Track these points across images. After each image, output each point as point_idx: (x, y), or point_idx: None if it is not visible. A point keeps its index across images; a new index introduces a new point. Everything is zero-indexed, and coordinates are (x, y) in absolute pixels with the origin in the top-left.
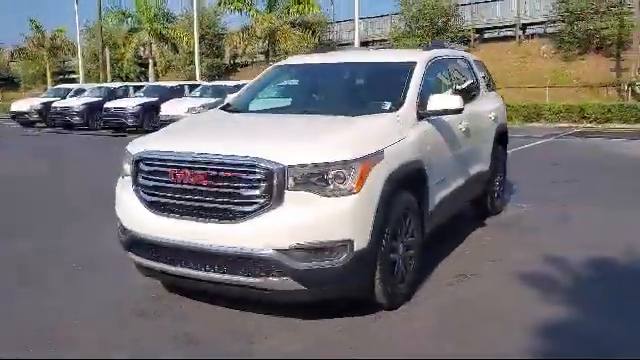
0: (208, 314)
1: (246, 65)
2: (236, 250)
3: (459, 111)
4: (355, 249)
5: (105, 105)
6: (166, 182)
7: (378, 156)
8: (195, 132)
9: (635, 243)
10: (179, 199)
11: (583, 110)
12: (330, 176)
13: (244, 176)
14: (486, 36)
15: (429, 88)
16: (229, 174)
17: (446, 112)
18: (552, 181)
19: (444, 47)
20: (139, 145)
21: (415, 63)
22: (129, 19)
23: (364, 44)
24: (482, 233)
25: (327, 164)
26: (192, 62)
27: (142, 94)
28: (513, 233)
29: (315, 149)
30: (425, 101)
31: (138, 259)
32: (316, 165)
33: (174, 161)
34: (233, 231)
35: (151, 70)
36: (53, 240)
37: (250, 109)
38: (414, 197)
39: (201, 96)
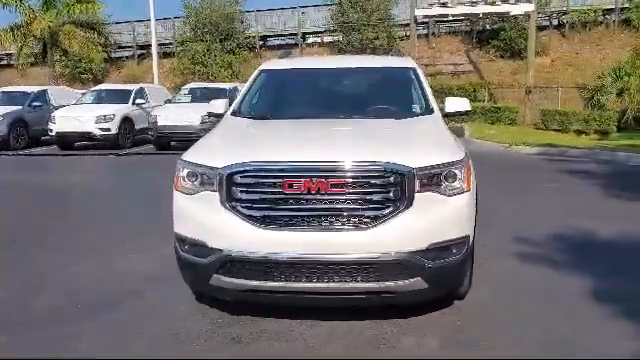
0: (305, 330)
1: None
2: (370, 256)
3: (468, 112)
4: (469, 244)
5: None
6: (280, 194)
7: (468, 155)
8: (275, 141)
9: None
10: (299, 210)
11: None
12: (448, 176)
13: (375, 181)
14: (270, 43)
15: None
16: (360, 180)
17: (459, 114)
18: None
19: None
20: (218, 158)
21: (415, 68)
22: None
23: (147, 47)
24: None
25: (445, 165)
26: None
27: None
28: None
29: (431, 151)
30: None
31: (232, 281)
32: (439, 166)
33: (292, 170)
34: (365, 237)
35: None
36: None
37: (275, 115)
38: None
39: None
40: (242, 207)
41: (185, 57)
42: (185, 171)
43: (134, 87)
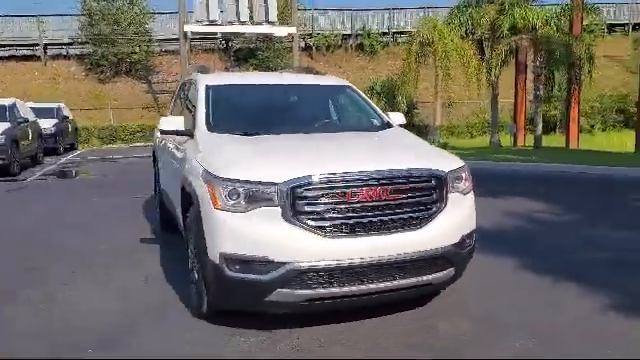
0: (357, 334)
1: None
2: (426, 252)
3: (405, 125)
4: (476, 234)
5: None
6: (345, 203)
7: None
8: (317, 155)
9: None
10: (363, 217)
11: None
12: (459, 178)
13: (423, 185)
14: (3, 54)
15: None
16: (412, 185)
17: (400, 126)
18: None
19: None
20: (271, 173)
21: (352, 86)
22: None
23: None
24: None
25: (459, 169)
26: None
27: None
28: None
29: (444, 158)
30: None
31: (298, 293)
32: (456, 170)
33: (356, 180)
34: (420, 236)
35: None
36: None
37: (262, 132)
38: None
39: None
40: (308, 219)
41: None
42: (227, 189)
43: None
